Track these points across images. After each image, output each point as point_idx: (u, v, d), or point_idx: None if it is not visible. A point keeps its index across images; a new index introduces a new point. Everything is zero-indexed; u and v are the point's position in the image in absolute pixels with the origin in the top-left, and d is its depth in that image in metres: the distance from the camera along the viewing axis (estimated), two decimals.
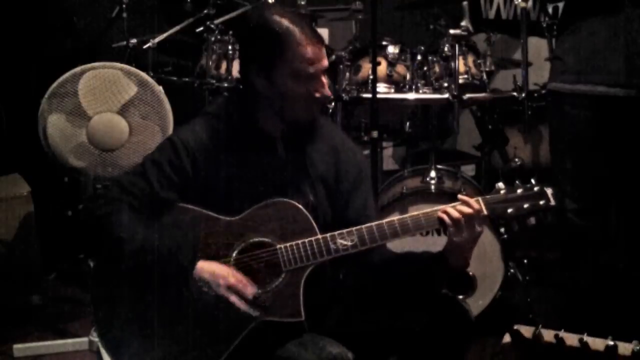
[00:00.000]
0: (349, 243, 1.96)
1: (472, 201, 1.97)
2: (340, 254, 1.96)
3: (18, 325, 3.38)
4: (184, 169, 2.00)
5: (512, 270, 3.36)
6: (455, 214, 1.95)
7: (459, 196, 2.01)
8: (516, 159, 3.62)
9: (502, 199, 1.99)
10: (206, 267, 1.94)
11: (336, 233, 1.97)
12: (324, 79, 2.02)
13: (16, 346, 3.17)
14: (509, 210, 1.97)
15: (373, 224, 1.98)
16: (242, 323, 1.93)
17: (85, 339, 3.15)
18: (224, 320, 1.93)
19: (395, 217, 2.00)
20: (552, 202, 1.99)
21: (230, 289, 1.91)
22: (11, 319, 3.42)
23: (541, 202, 1.98)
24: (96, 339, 3.10)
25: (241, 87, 2.12)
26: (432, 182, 3.27)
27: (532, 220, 1.99)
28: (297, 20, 2.00)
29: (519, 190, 2.00)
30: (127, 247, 1.93)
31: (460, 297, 2.15)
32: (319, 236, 1.97)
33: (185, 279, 1.93)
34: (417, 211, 3.10)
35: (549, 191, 1.99)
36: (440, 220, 1.97)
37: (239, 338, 1.92)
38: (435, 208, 1.99)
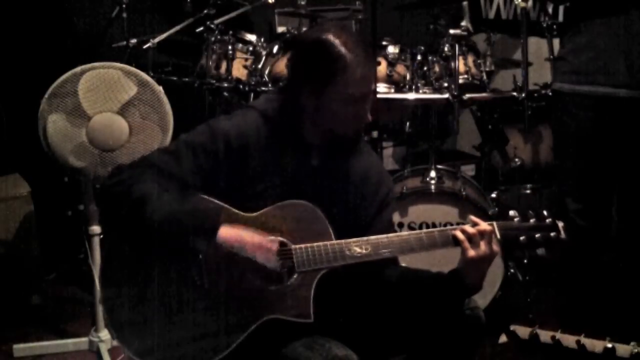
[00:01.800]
0: (364, 251, 1.98)
1: (484, 223, 2.00)
2: (354, 261, 1.98)
3: (18, 325, 3.38)
4: (216, 155, 1.99)
5: (512, 270, 3.36)
6: (470, 231, 1.98)
7: (471, 217, 2.04)
8: (516, 159, 3.63)
9: (515, 227, 2.04)
10: (231, 231, 1.92)
11: (352, 240, 1.99)
12: (367, 104, 2.04)
13: (16, 346, 3.17)
14: (521, 238, 2.03)
15: (388, 235, 2.01)
16: (251, 317, 1.93)
17: (85, 339, 3.15)
18: (234, 313, 1.93)
19: (410, 232, 2.03)
20: (563, 236, 2.04)
21: (257, 247, 1.91)
22: (11, 319, 3.42)
23: (552, 234, 2.03)
24: (96, 339, 3.10)
25: (287, 93, 2.12)
26: (432, 182, 3.27)
27: (542, 250, 2.04)
28: (355, 43, 2.00)
29: (532, 220, 2.05)
30: (149, 214, 1.90)
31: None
32: (335, 241, 1.98)
33: (200, 262, 1.93)
34: (417, 211, 3.17)
35: (560, 224, 2.05)
36: (455, 237, 1.99)
37: (247, 332, 1.92)
38: (450, 227, 2.03)
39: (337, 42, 1.98)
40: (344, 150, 2.11)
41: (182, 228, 1.91)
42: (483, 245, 1.97)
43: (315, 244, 1.97)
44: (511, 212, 2.07)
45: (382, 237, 2.00)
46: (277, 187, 2.02)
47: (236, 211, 1.99)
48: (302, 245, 1.97)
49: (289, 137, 2.06)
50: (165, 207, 1.91)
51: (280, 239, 1.98)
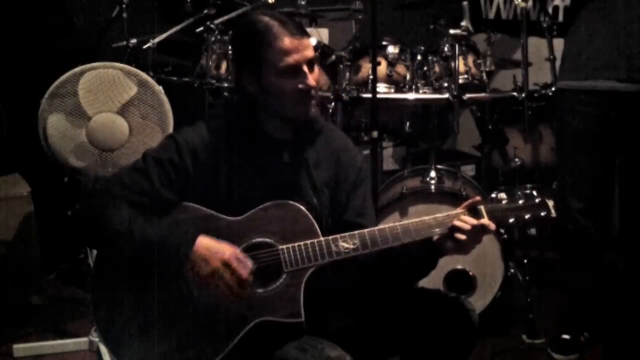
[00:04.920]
0: (351, 246, 1.96)
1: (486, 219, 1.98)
2: (342, 256, 1.96)
3: (18, 325, 3.38)
4: (185, 169, 1.99)
5: (512, 270, 3.36)
6: (465, 227, 1.97)
7: (472, 204, 2.01)
8: (516, 159, 3.62)
9: (503, 208, 2.02)
10: (204, 242, 1.91)
11: (338, 236, 1.97)
12: (307, 69, 2.00)
13: (16, 346, 3.16)
14: (511, 220, 2.01)
15: (375, 228, 1.99)
16: (241, 322, 1.92)
17: (85, 339, 3.15)
18: (224, 319, 1.93)
19: (396, 223, 2.00)
20: (553, 214, 2.01)
21: (226, 264, 1.89)
22: (11, 319, 3.42)
23: (542, 214, 2.01)
24: (96, 339, 3.10)
25: (237, 90, 2.13)
26: (432, 182, 3.27)
27: (533, 230, 2.03)
28: (275, 16, 2.01)
29: (521, 201, 2.03)
30: (125, 241, 1.92)
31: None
32: (321, 238, 1.97)
33: (185, 275, 1.93)
34: (417, 211, 3.17)
35: (550, 203, 2.02)
36: (454, 227, 1.97)
37: (239, 337, 1.92)
38: (438, 215, 2.00)
39: (256, 18, 2.01)
40: (309, 136, 2.10)
41: (159, 257, 1.92)
42: (479, 238, 1.98)
43: (302, 242, 1.96)
44: (500, 195, 2.05)
45: (369, 230, 1.98)
46: (252, 189, 2.02)
47: (220, 215, 1.99)
48: (289, 245, 1.96)
49: (254, 138, 2.06)
50: (136, 235, 1.91)
51: (266, 239, 1.97)
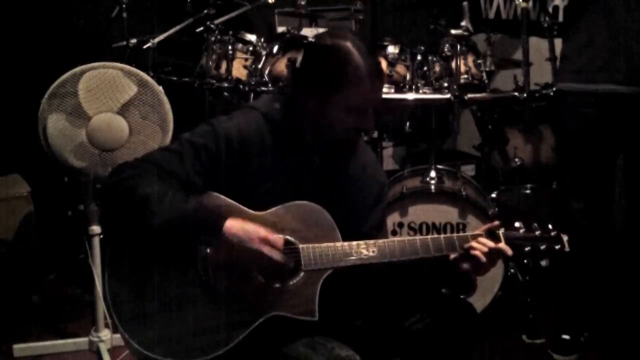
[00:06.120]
0: (370, 254, 1.99)
1: (493, 244, 2.02)
2: (360, 262, 1.99)
3: (18, 325, 3.39)
4: (219, 157, 1.99)
5: (512, 270, 3.36)
6: (483, 249, 1.99)
7: (491, 228, 2.05)
8: (516, 159, 3.63)
9: (520, 237, 2.06)
10: (236, 224, 1.90)
11: (361, 242, 2.00)
12: (371, 110, 2.04)
13: (16, 346, 3.17)
14: (526, 249, 2.04)
15: (395, 239, 2.02)
16: (255, 313, 1.93)
17: (85, 339, 3.15)
18: (239, 308, 1.93)
19: (416, 237, 2.04)
20: (567, 249, 2.05)
21: (263, 241, 1.89)
22: (11, 319, 3.42)
23: (556, 247, 2.05)
24: (96, 339, 3.10)
25: (289, 93, 2.13)
26: (432, 182, 3.27)
27: (546, 262, 2.06)
28: (370, 56, 2.01)
29: (537, 232, 2.06)
30: (152, 213, 1.88)
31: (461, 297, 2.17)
32: (343, 243, 1.99)
33: (206, 258, 1.93)
34: (417, 211, 3.17)
35: (565, 238, 2.06)
36: (469, 248, 2.00)
37: (251, 328, 1.92)
38: (456, 234, 2.05)
39: (354, 52, 1.98)
40: (343, 149, 2.13)
41: (187, 223, 1.89)
42: (495, 261, 2.01)
43: (323, 244, 1.98)
44: (517, 224, 2.08)
45: (389, 240, 2.01)
46: (279, 187, 2.03)
47: (244, 208, 2.00)
48: (310, 245, 1.98)
49: (289, 138, 2.07)
50: (168, 205, 1.89)
51: (287, 237, 1.98)
